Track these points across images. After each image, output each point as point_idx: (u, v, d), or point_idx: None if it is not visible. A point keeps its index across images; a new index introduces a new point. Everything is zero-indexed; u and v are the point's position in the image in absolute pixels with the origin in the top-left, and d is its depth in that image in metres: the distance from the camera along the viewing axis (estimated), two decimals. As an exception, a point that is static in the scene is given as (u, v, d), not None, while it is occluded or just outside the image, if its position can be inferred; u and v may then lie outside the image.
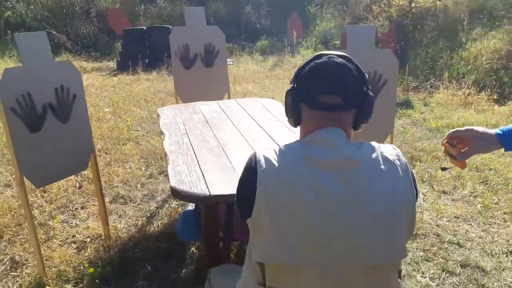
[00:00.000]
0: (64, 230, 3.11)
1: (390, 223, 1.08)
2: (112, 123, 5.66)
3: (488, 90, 6.59)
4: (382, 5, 10.51)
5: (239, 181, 1.20)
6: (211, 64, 3.76)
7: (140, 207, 3.52)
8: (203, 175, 1.83)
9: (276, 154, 1.13)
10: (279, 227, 1.07)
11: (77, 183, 3.84)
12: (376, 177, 1.09)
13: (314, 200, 1.06)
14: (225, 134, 2.40)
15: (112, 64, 10.43)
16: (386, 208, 1.07)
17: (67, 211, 3.42)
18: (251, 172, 1.13)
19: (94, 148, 2.69)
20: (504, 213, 3.34)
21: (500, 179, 3.88)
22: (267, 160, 1.12)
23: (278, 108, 3.01)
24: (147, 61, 9.64)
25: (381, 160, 1.11)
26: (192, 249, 2.86)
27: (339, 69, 1.15)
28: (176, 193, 1.70)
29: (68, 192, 3.66)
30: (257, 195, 1.08)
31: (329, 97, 1.15)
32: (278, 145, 1.21)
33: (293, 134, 2.37)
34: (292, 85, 1.23)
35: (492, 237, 3.02)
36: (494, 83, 6.74)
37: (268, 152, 1.15)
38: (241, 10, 13.56)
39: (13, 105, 2.09)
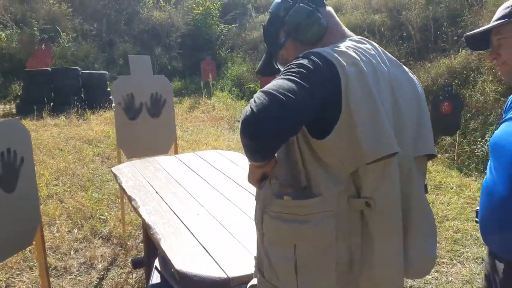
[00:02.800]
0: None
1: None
2: (24, 177, 4.97)
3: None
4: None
5: (310, 76, 1.02)
6: (158, 114, 3.51)
7: (79, 280, 3.05)
8: (207, 252, 1.61)
9: (337, 52, 1.08)
10: (377, 120, 1.03)
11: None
12: (416, 80, 1.25)
13: (394, 90, 1.12)
14: (203, 194, 2.19)
15: (11, 107, 9.38)
16: (425, 107, 1.22)
17: (-11, 293, 2.82)
18: (326, 69, 1.03)
19: (41, 219, 2.27)
20: (448, 251, 3.54)
21: (435, 216, 4.15)
22: (339, 56, 1.06)
23: (242, 159, 2.87)
24: (52, 104, 8.85)
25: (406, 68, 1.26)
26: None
27: None
28: (186, 278, 1.45)
29: (-13, 269, 3.05)
30: (347, 91, 1.01)
31: None
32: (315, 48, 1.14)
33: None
34: (297, 1, 1.22)
35: (446, 278, 3.16)
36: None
37: (328, 50, 1.08)
38: (152, 52, 13.31)
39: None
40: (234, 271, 1.47)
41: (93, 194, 4.57)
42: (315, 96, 1.00)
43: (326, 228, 1.04)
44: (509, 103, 1.48)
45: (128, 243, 3.52)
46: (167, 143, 3.60)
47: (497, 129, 1.45)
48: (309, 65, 1.02)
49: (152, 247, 2.63)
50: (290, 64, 1.06)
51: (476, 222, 1.59)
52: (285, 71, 1.04)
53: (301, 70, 1.01)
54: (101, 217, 4.03)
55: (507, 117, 1.43)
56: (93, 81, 9.69)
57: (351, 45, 1.13)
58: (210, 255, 1.57)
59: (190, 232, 1.77)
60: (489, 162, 1.45)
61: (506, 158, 1.30)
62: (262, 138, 0.97)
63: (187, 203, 2.08)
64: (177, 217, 1.92)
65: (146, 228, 2.58)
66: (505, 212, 1.30)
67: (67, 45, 12.09)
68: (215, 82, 11.91)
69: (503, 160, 1.32)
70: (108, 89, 10.22)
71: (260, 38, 13.43)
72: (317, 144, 1.04)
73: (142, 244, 3.52)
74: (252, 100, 0.98)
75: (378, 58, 1.15)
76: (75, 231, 3.73)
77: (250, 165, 1.18)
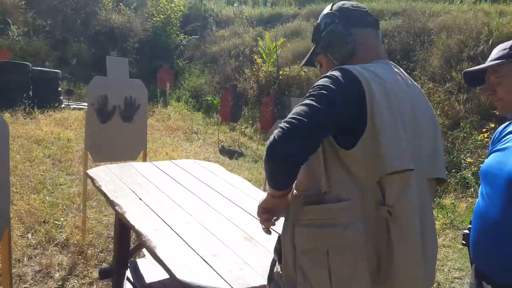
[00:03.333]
0: None
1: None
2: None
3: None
4: (253, 69, 11.25)
5: (335, 98, 1.10)
6: (130, 119, 3.40)
7: (35, 289, 2.85)
8: (204, 260, 1.58)
9: (366, 70, 1.16)
10: (397, 136, 1.10)
11: None
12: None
13: (416, 113, 1.19)
14: (188, 203, 2.15)
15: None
16: (439, 132, 1.31)
17: None
18: (349, 85, 1.11)
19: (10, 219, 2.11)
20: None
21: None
22: (366, 73, 1.14)
23: (219, 169, 2.85)
24: (-4, 100, 8.28)
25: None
26: None
27: None
28: (189, 289, 1.41)
29: None
30: (372, 105, 1.08)
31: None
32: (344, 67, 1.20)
33: (254, 200, 2.25)
34: (335, 20, 1.30)
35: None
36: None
37: (355, 67, 1.16)
38: (107, 54, 12.90)
39: None
40: (239, 284, 1.45)
41: (46, 198, 4.30)
42: (334, 113, 1.09)
43: (355, 231, 1.08)
44: (496, 136, 1.62)
45: (88, 251, 3.34)
46: (136, 149, 3.49)
47: (487, 158, 1.58)
48: (330, 85, 1.11)
49: (123, 257, 2.52)
50: (314, 86, 1.15)
51: (463, 244, 1.69)
52: (307, 94, 1.14)
53: (321, 91, 1.11)
54: (56, 222, 3.80)
55: (496, 148, 1.55)
56: (44, 79, 9.20)
57: (379, 66, 1.21)
58: (211, 267, 1.54)
59: (185, 242, 1.72)
60: (480, 189, 1.55)
61: (500, 186, 1.40)
62: (284, 158, 1.07)
63: (174, 211, 2.03)
64: (168, 225, 1.86)
65: (120, 236, 2.48)
66: (499, 235, 1.39)
67: (16, 39, 11.42)
68: (171, 91, 11.75)
69: (497, 188, 1.42)
70: (60, 88, 9.77)
71: (219, 52, 13.47)
72: (346, 155, 1.11)
73: (103, 254, 3.36)
74: (274, 131, 1.10)
75: (403, 81, 1.22)
76: (29, 236, 3.48)
77: (267, 194, 1.24)
